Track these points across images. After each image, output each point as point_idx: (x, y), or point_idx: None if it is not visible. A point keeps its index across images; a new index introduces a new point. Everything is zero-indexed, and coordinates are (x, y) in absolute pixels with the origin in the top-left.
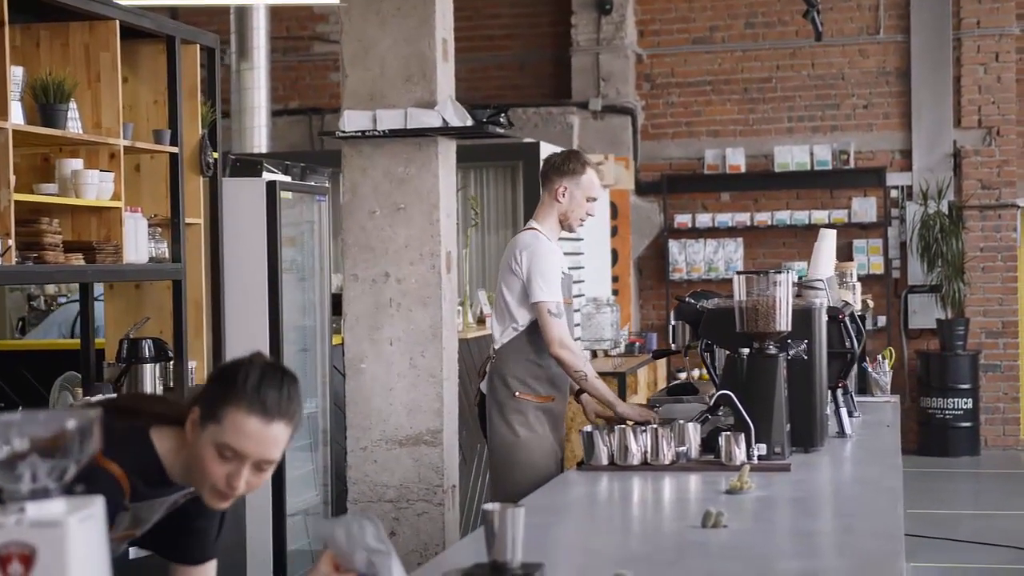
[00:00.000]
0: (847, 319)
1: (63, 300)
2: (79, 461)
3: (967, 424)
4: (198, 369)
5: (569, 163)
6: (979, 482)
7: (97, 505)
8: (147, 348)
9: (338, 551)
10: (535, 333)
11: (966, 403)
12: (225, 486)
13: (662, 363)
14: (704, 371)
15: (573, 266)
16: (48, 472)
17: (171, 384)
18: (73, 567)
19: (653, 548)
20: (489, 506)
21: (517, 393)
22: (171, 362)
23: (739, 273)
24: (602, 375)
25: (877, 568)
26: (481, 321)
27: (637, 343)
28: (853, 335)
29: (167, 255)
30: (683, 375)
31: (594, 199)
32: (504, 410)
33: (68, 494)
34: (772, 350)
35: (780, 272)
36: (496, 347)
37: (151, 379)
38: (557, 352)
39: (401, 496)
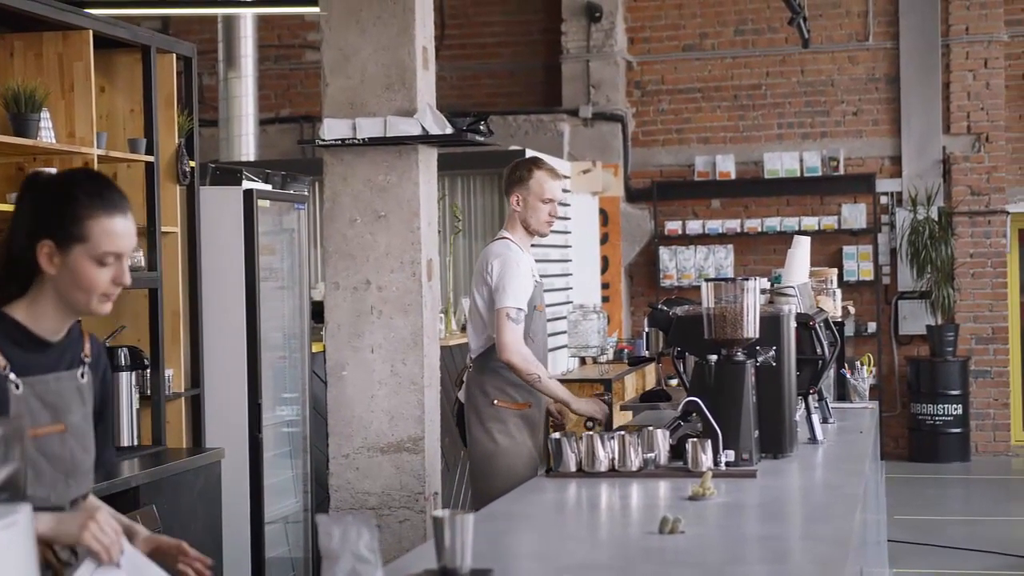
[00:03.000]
0: (819, 325)
1: None
2: (2, 468)
3: (957, 430)
4: (175, 377)
5: (516, 171)
6: (969, 488)
7: (23, 513)
8: (123, 356)
9: (325, 549)
10: None
11: (956, 409)
12: (111, 288)
13: (651, 369)
14: None
15: (561, 273)
16: None
17: (148, 392)
18: None
19: (607, 554)
20: (438, 513)
21: (496, 401)
22: (147, 371)
23: (707, 280)
24: (589, 382)
25: (824, 573)
26: (464, 328)
27: (627, 350)
28: (825, 342)
29: (143, 264)
30: (674, 382)
31: (550, 200)
32: (483, 418)
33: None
34: (740, 357)
35: (748, 279)
36: (473, 356)
37: (127, 388)
38: (507, 358)
39: (383, 503)
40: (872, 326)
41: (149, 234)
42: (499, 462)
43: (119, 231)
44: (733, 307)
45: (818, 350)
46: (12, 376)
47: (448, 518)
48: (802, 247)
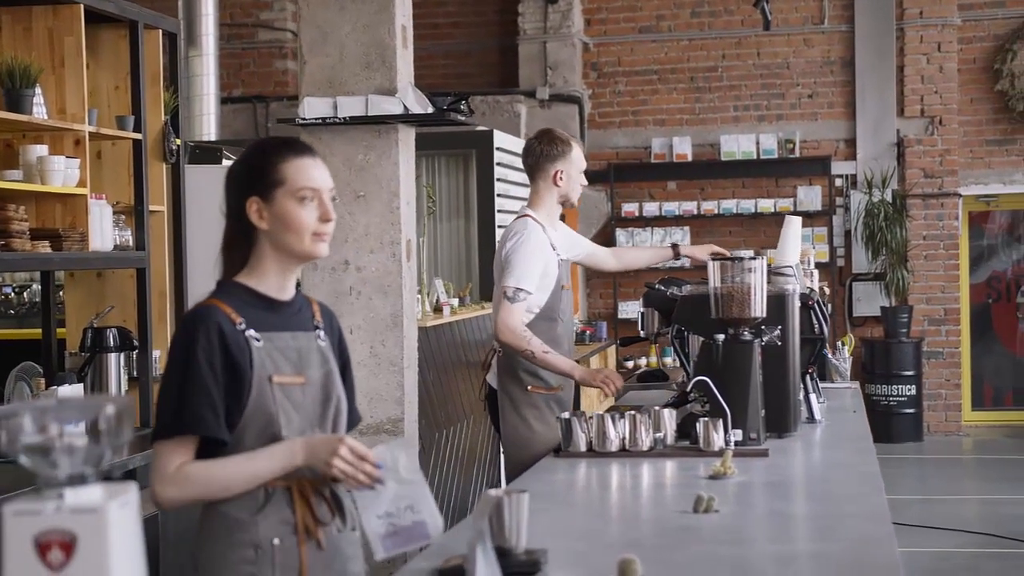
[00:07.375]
0: (816, 304)
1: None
2: (116, 447)
3: (911, 410)
4: (162, 358)
5: (557, 146)
6: (923, 467)
7: (132, 492)
8: (111, 337)
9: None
10: (541, 325)
11: (909, 390)
12: (320, 224)
13: (612, 351)
14: (655, 359)
15: None
16: (85, 458)
17: (135, 374)
18: (113, 553)
19: (649, 533)
20: (494, 492)
21: (529, 387)
22: (135, 351)
23: (714, 259)
24: None
25: (874, 550)
26: (438, 310)
27: (588, 332)
28: (823, 320)
29: (131, 243)
30: (641, 361)
31: (583, 170)
32: (517, 405)
33: (106, 480)
34: (747, 336)
35: (755, 258)
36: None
37: (115, 368)
38: (499, 338)
39: None
40: (828, 307)
41: (137, 213)
42: (535, 449)
43: (311, 168)
44: (740, 286)
45: (816, 329)
46: (251, 332)
47: (505, 497)
48: (794, 227)
